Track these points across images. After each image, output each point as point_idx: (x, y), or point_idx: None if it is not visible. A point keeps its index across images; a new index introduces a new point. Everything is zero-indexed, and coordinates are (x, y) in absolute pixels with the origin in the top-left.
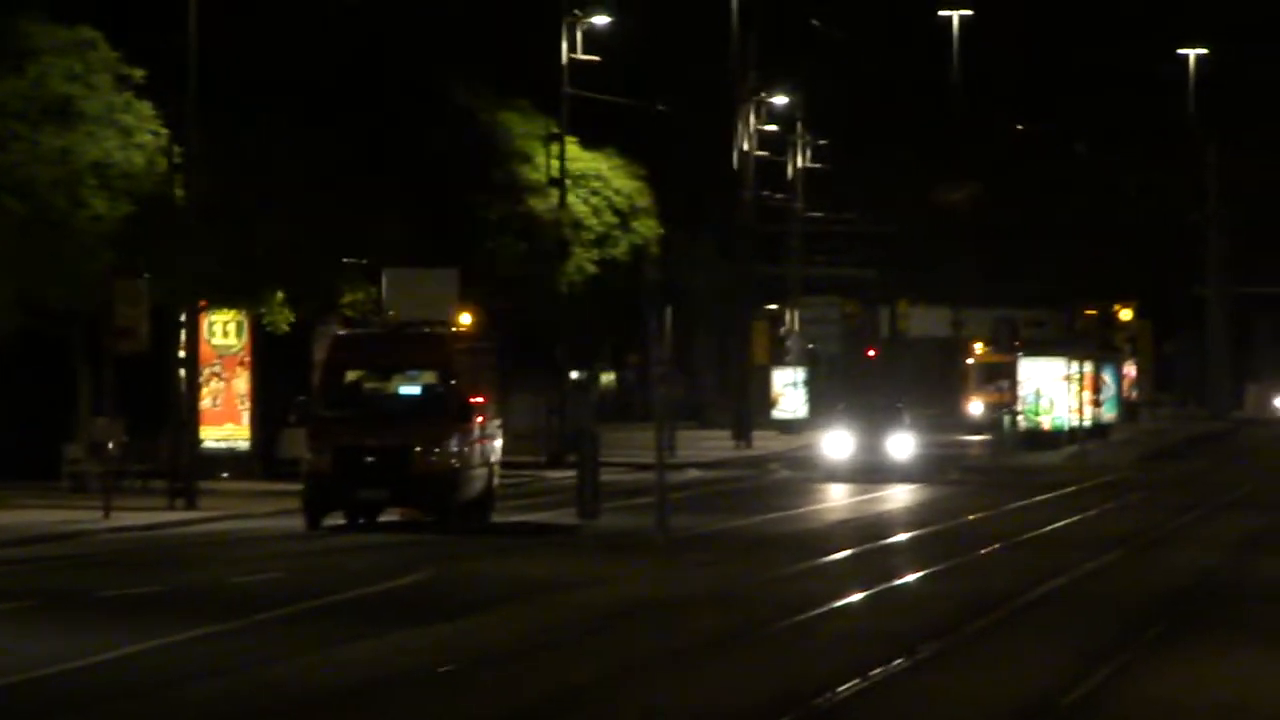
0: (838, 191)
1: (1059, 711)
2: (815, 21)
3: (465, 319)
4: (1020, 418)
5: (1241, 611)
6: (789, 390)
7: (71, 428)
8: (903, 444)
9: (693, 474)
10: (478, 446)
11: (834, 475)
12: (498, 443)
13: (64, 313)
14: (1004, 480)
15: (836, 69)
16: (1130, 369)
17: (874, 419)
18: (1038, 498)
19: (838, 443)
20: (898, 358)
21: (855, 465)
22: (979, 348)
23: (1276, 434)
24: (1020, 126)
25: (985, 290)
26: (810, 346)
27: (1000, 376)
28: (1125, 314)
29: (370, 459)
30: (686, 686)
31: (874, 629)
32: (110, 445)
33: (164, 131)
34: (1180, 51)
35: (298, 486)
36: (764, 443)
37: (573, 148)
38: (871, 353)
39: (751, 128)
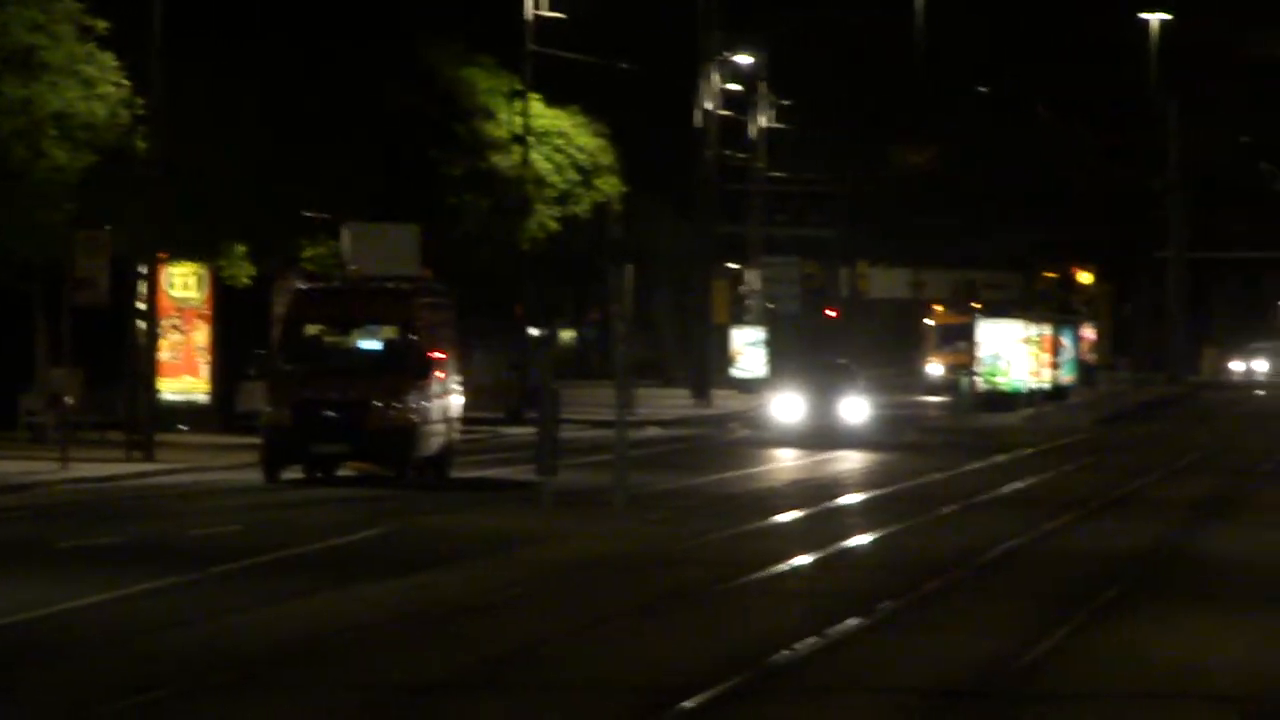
0: (799, 151)
1: (1016, 670)
2: None
3: (426, 274)
4: (978, 379)
5: (1197, 574)
6: (748, 349)
7: (29, 379)
8: (855, 407)
9: (652, 431)
10: (437, 402)
11: (784, 440)
12: (457, 399)
13: (23, 264)
14: (961, 441)
15: (800, 28)
16: (1088, 332)
17: (825, 380)
18: (995, 459)
19: (787, 406)
20: (858, 318)
21: (806, 429)
22: (938, 309)
23: (1232, 398)
24: (982, 89)
25: (946, 252)
26: (770, 306)
27: (959, 338)
28: (1085, 277)
29: (329, 413)
30: (643, 642)
31: (831, 588)
32: (68, 397)
33: (126, 83)
34: (1141, 16)
35: (256, 440)
36: (723, 401)
37: (536, 104)
38: (831, 313)
39: (715, 86)
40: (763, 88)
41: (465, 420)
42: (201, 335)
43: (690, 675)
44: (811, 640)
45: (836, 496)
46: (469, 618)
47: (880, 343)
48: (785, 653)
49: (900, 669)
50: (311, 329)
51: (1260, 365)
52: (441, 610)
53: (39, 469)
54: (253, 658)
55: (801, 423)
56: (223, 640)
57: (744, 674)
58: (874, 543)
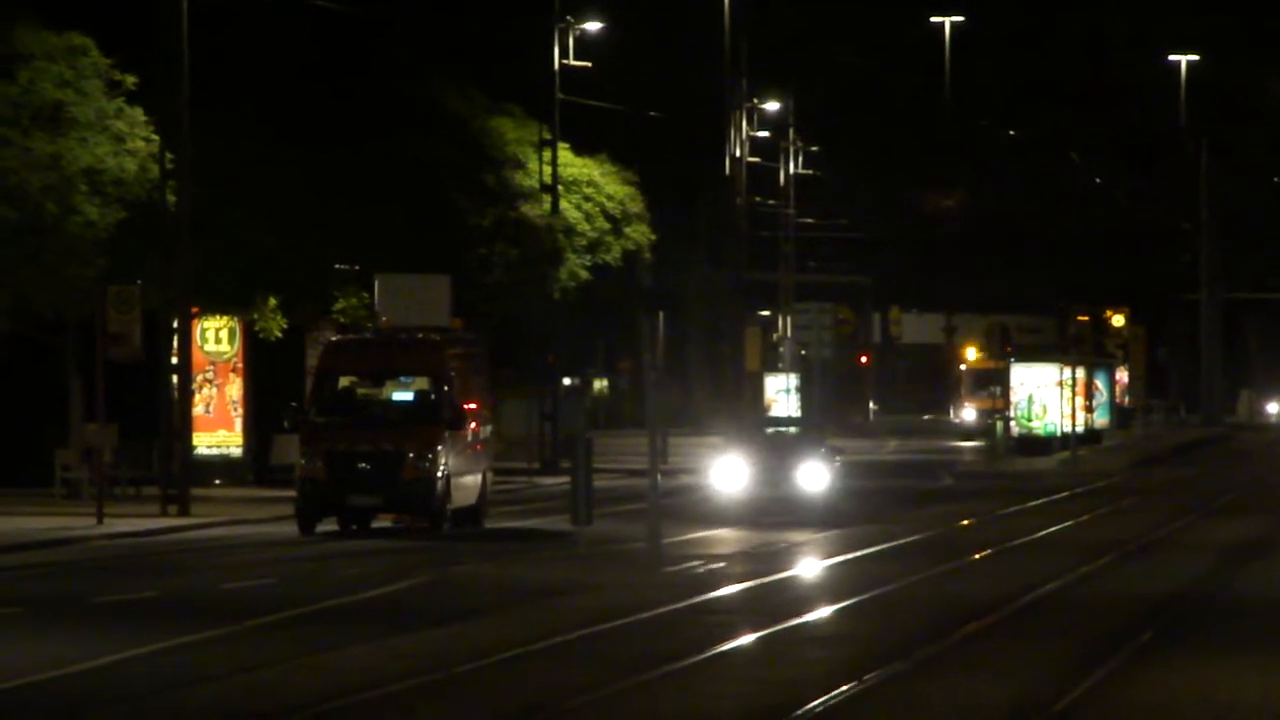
0: (829, 197)
1: (1051, 716)
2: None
3: (457, 325)
4: (1012, 423)
5: (1232, 617)
6: (781, 396)
7: (64, 435)
8: (815, 473)
9: (685, 480)
10: (470, 452)
11: (723, 519)
12: (490, 449)
13: (56, 319)
14: (996, 486)
15: (828, 75)
16: (1123, 375)
17: (780, 441)
18: (1030, 503)
19: (731, 473)
20: (890, 364)
21: (756, 502)
22: (971, 354)
23: (1269, 439)
24: (1011, 133)
25: (978, 297)
26: (803, 352)
27: (992, 382)
28: (1118, 320)
29: (363, 465)
30: (681, 692)
31: (867, 633)
32: (103, 452)
33: (155, 138)
34: (1171, 57)
35: (290, 493)
36: None
37: (565, 154)
38: (864, 359)
39: (743, 134)
40: (791, 134)
41: (499, 470)
42: (235, 389)
43: None
44: (849, 686)
45: (874, 543)
46: (503, 668)
47: (913, 388)
48: (821, 699)
49: (938, 715)
50: (344, 381)
51: None
52: (476, 661)
53: (74, 524)
54: (281, 711)
55: (747, 493)
56: (251, 694)
57: None
58: (911, 588)
